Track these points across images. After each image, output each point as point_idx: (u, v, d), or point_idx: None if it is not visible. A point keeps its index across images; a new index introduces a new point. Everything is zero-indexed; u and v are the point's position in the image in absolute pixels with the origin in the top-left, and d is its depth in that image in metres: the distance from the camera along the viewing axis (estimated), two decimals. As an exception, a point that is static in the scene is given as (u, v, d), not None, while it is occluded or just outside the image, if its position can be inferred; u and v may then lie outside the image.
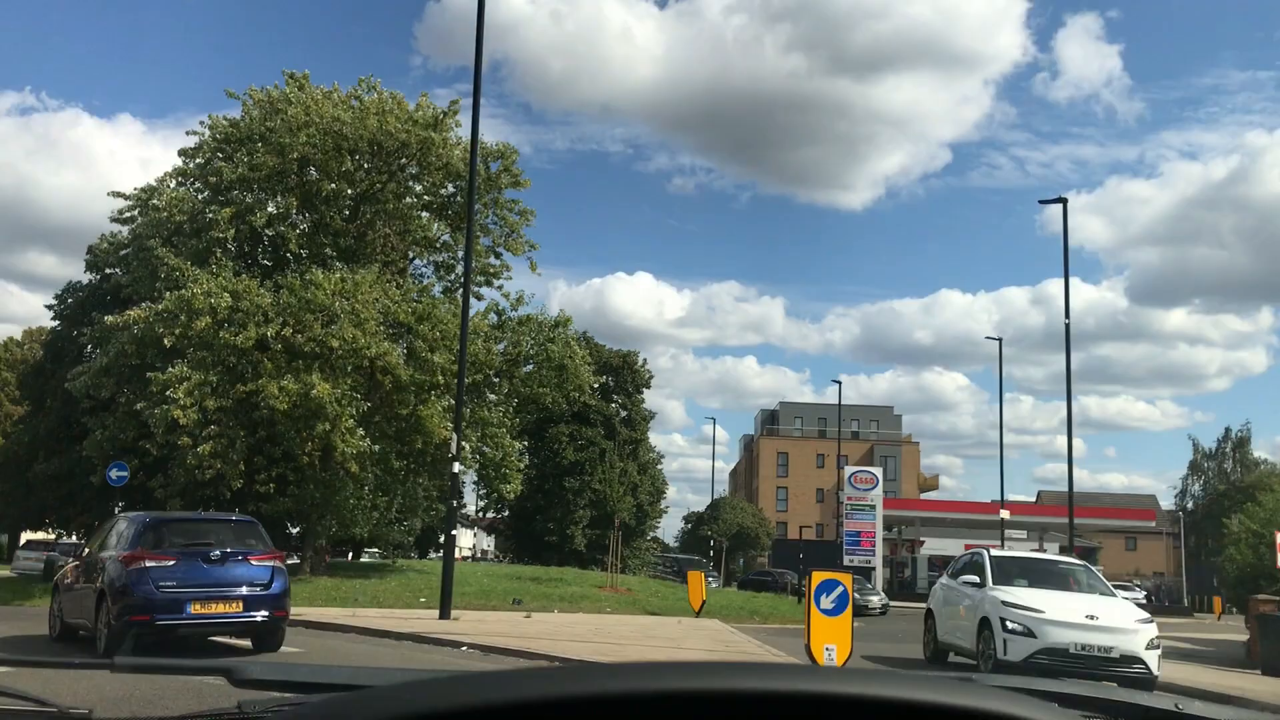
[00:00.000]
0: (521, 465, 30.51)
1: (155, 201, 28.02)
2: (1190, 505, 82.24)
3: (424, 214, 31.14)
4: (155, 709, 6.08)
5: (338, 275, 26.53)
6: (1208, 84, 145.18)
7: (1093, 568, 15.74)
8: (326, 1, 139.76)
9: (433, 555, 57.37)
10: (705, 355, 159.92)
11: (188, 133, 28.96)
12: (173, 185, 28.70)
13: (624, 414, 53.60)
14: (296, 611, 18.57)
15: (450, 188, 31.00)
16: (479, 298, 31.84)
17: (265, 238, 29.75)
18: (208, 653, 12.71)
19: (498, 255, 31.46)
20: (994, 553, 16.10)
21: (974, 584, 14.76)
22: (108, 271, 33.73)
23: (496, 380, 29.80)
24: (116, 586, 12.12)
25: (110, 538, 13.52)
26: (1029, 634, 13.29)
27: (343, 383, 25.87)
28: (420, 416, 27.68)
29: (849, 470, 57.29)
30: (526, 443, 34.54)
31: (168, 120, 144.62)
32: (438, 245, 31.71)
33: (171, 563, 12.32)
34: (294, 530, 38.39)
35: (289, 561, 38.48)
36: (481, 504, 54.18)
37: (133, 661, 1.94)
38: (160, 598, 11.98)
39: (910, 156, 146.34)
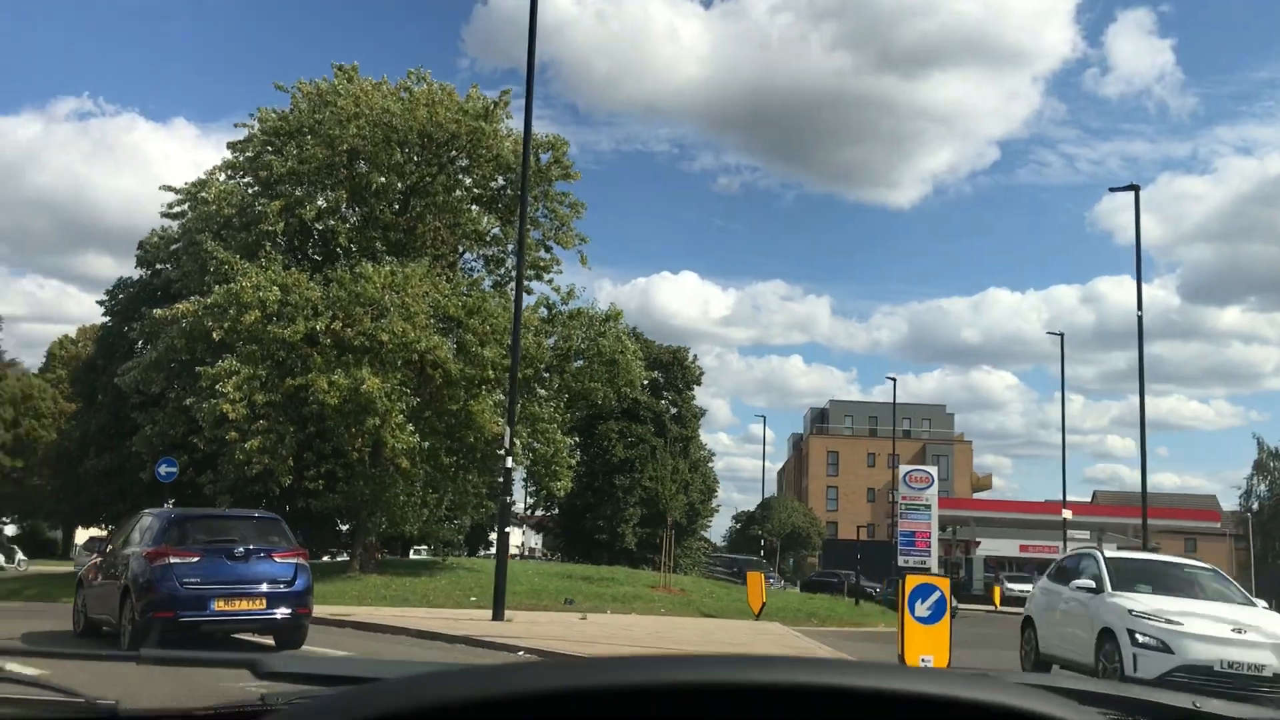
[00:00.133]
0: (573, 462, 29.96)
1: (204, 194, 27.80)
2: (1256, 506, 79.85)
3: (474, 207, 30.68)
4: (179, 701, 5.65)
5: (387, 269, 26.12)
6: (1263, 78, 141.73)
7: (1222, 572, 14.13)
8: (374, 5, 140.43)
9: (482, 553, 57.10)
10: (750, 354, 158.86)
11: (236, 125, 28.82)
12: (222, 179, 28.49)
13: (674, 411, 52.87)
14: (345, 611, 18.17)
15: (500, 180, 30.54)
16: (529, 292, 31.36)
17: (315, 231, 29.47)
18: (230, 649, 12.51)
19: (548, 249, 30.95)
20: (1108, 554, 14.55)
21: (1088, 589, 13.12)
22: (158, 267, 33.69)
23: (547, 375, 29.29)
24: (141, 582, 12.09)
25: (134, 534, 13.49)
26: (1164, 649, 11.76)
27: (392, 377, 25.48)
28: (470, 411, 27.22)
29: (903, 469, 56.13)
30: (577, 439, 33.97)
31: (221, 124, 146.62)
32: (487, 239, 31.25)
33: (195, 559, 12.29)
34: (343, 527, 38.21)
35: (339, 559, 38.50)
36: (531, 501, 53.78)
37: (158, 654, 1.94)
38: (184, 594, 11.94)
39: (958, 154, 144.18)
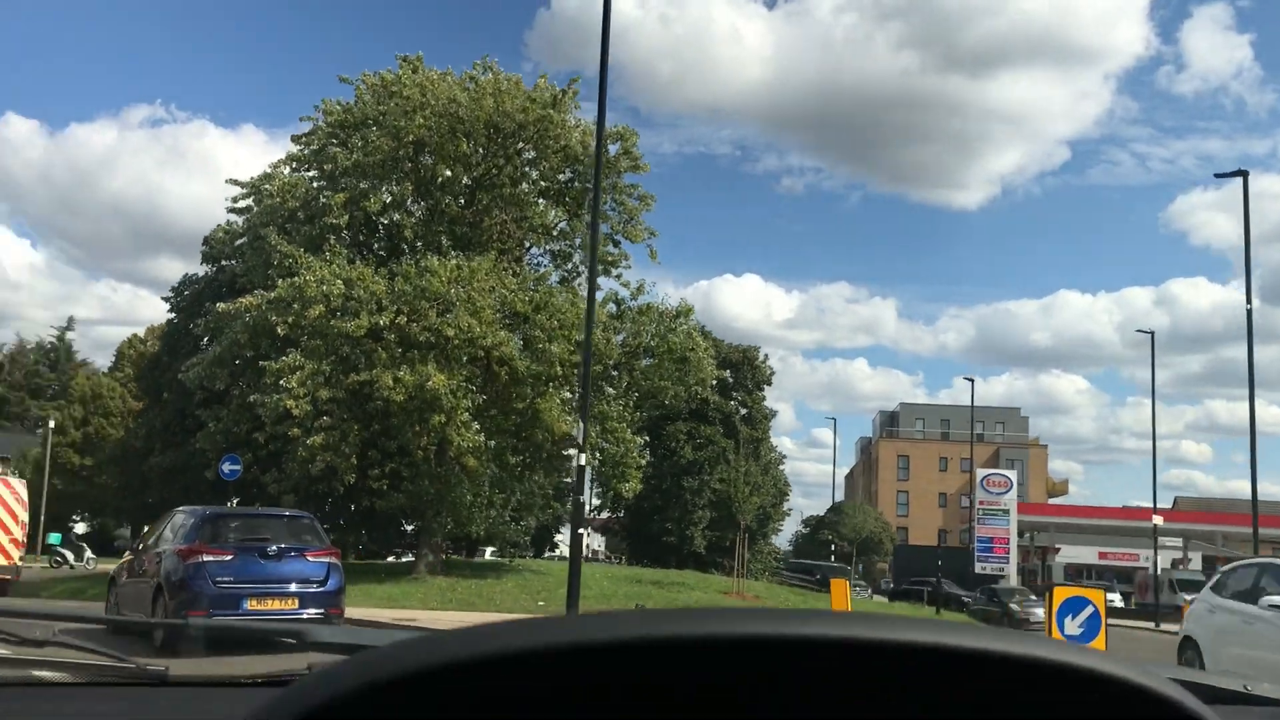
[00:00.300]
0: (642, 462, 28.99)
1: (268, 187, 27.36)
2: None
3: (540, 201, 29.89)
4: (226, 669, 5.47)
5: (453, 263, 25.41)
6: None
7: None
8: (436, 11, 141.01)
9: (548, 555, 56.31)
10: (814, 357, 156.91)
11: (301, 118, 28.30)
12: (286, 172, 28.05)
13: (743, 412, 51.69)
14: (410, 616, 17.37)
15: (568, 173, 29.73)
16: (597, 288, 30.52)
17: (380, 225, 28.92)
18: None
19: (616, 243, 30.06)
20: None
21: None
22: (223, 263, 33.45)
23: (615, 373, 28.37)
24: (173, 580, 12.02)
25: (166, 532, 13.38)
26: None
27: (458, 374, 24.76)
28: (538, 410, 26.44)
29: (981, 473, 54.49)
30: (646, 439, 33.03)
31: (288, 129, 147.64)
32: (554, 233, 30.44)
33: (229, 558, 12.18)
34: (408, 528, 37.65)
35: (403, 559, 38.01)
36: (597, 503, 52.90)
37: (207, 623, 1.67)
38: (217, 593, 11.84)
39: (1026, 154, 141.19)
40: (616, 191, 29.05)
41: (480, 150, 27.52)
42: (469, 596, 22.79)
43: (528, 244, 30.10)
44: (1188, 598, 25.71)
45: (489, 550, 51.26)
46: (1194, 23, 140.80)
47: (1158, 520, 39.93)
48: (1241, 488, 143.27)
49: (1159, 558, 46.04)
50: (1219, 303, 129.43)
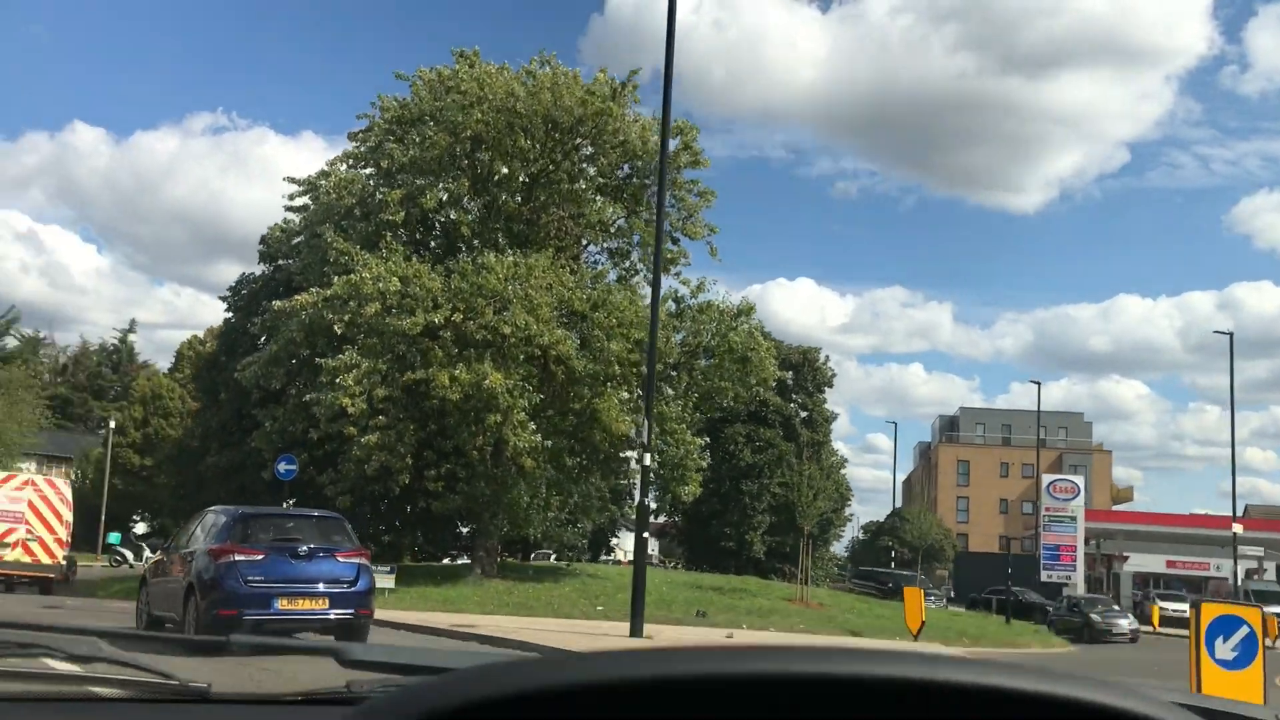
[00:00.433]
0: (703, 465, 28.28)
1: (324, 183, 27.09)
2: None
3: (598, 197, 29.32)
4: (266, 686, 6.30)
5: (510, 259, 24.92)
6: None
7: None
8: (490, 20, 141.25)
9: (604, 559, 55.66)
10: (869, 362, 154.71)
11: (358, 116, 27.99)
12: (343, 169, 27.76)
13: (804, 414, 50.67)
14: (468, 622, 16.84)
15: (626, 169, 29.15)
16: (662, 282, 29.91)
17: (436, 223, 28.56)
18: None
19: (675, 241, 29.43)
20: None
21: None
22: (280, 263, 33.29)
23: (674, 373, 27.71)
24: (205, 579, 12.03)
25: (198, 532, 13.38)
26: None
27: (514, 373, 24.26)
28: (596, 410, 25.85)
29: (1047, 478, 53.05)
30: (706, 440, 32.29)
31: (346, 136, 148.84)
32: (612, 230, 29.85)
33: (260, 557, 12.19)
34: (464, 530, 37.23)
35: (459, 561, 37.61)
36: (653, 506, 52.32)
37: (248, 641, 2.03)
38: (248, 592, 11.90)
39: (1085, 156, 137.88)
40: (676, 187, 28.41)
41: (538, 146, 27.02)
42: (526, 601, 22.23)
43: (585, 241, 29.56)
44: (1271, 610, 24.40)
45: (542, 554, 50.84)
46: (1259, 21, 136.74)
47: (1238, 529, 38.38)
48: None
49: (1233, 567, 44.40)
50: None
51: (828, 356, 54.65)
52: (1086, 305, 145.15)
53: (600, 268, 29.26)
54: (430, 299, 24.10)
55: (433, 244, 28.99)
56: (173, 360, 57.29)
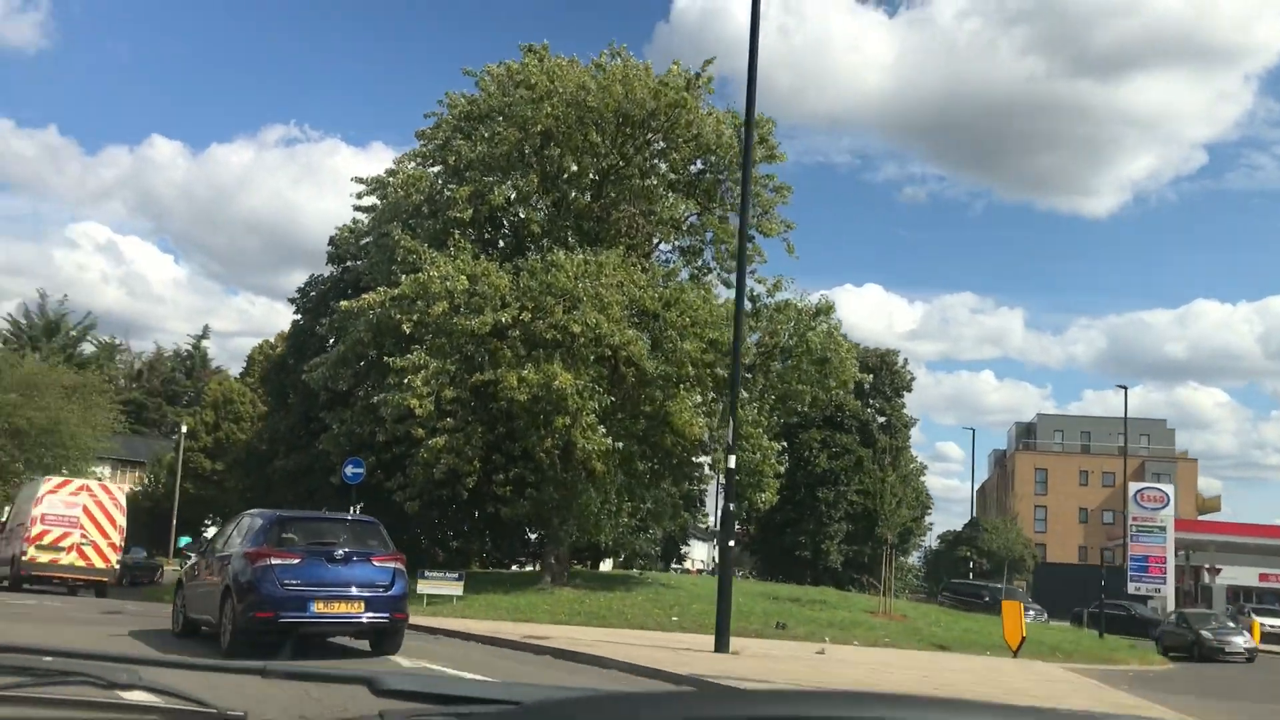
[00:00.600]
0: (780, 470, 27.19)
1: (392, 180, 26.59)
2: None
3: (669, 194, 28.44)
4: (300, 711, 6.42)
5: (580, 257, 24.14)
6: None
7: None
8: (552, 29, 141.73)
9: (674, 568, 54.65)
10: (939, 369, 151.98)
11: (425, 114, 27.43)
12: (411, 167, 27.23)
13: (881, 419, 49.12)
14: (541, 633, 16.03)
15: (699, 164, 28.27)
16: (728, 285, 28.95)
17: (505, 221, 27.92)
18: (327, 653, 12.58)
19: (750, 238, 28.45)
20: None
21: None
22: (348, 264, 32.95)
23: (750, 375, 26.68)
24: (242, 582, 11.97)
25: (234, 535, 13.41)
26: None
27: (584, 374, 23.46)
28: (668, 412, 24.95)
29: (1134, 486, 50.98)
30: (783, 444, 31.17)
31: (413, 146, 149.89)
32: (683, 227, 28.95)
33: (296, 561, 12.16)
34: (532, 536, 36.55)
35: (526, 569, 36.93)
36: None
37: (284, 668, 1.99)
38: (284, 595, 11.79)
39: (1160, 159, 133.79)
40: (751, 182, 27.45)
41: (608, 140, 26.24)
42: (598, 610, 21.37)
43: (656, 239, 28.70)
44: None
45: (612, 561, 50.00)
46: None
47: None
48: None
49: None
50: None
51: (906, 359, 53.14)
52: (1162, 311, 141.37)
53: (672, 265, 28.41)
54: (499, 298, 23.44)
55: (501, 242, 28.37)
56: (244, 364, 57.66)
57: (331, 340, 30.28)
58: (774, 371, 26.61)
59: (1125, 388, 50.84)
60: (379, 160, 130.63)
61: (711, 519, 54.81)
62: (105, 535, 23.87)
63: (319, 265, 37.40)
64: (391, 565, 12.65)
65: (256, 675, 1.96)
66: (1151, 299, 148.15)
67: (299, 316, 36.24)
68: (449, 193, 25.58)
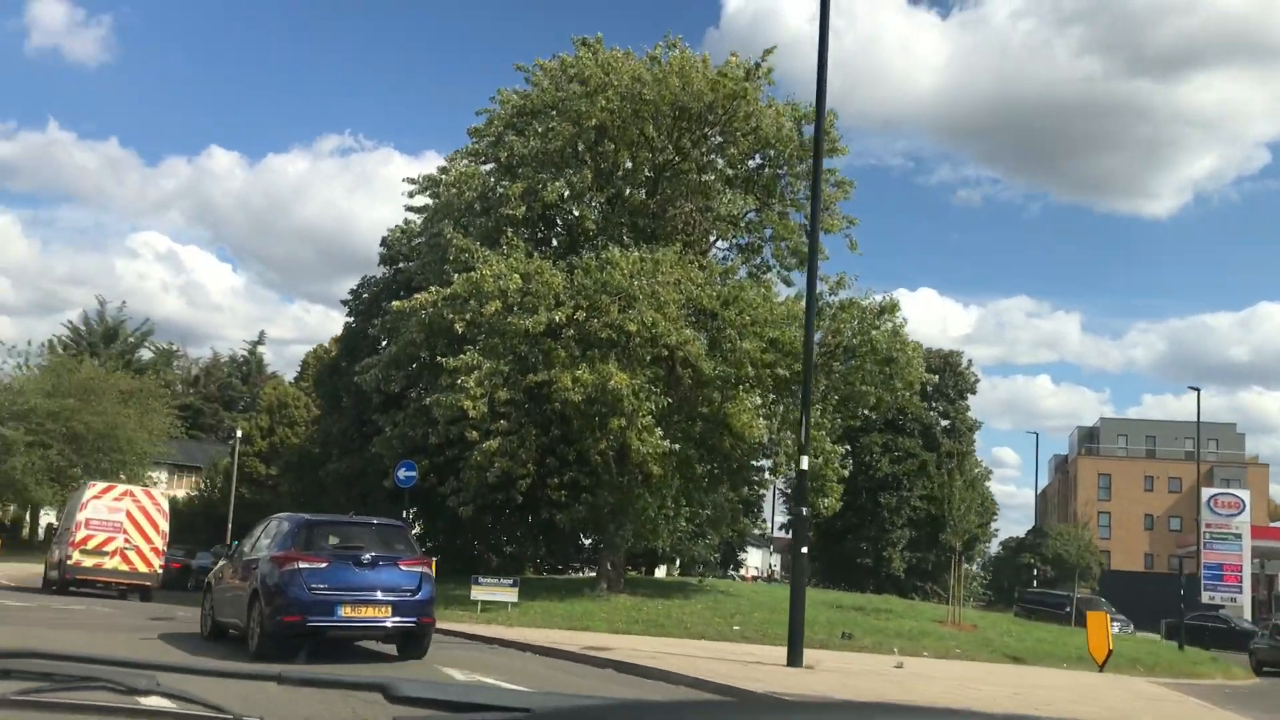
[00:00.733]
0: (844, 474, 26.28)
1: (444, 178, 26.11)
2: None
3: (727, 189, 27.68)
4: (315, 717, 6.53)
5: (636, 255, 23.45)
6: None
7: None
8: (606, 35, 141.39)
9: (731, 575, 53.68)
10: (994, 374, 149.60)
11: (477, 112, 26.89)
12: (462, 164, 26.73)
13: (944, 422, 47.81)
14: (601, 644, 15.35)
15: (757, 159, 27.48)
16: (788, 283, 28.16)
17: (558, 218, 27.34)
18: (354, 656, 12.64)
19: (809, 234, 27.63)
20: None
21: None
22: (400, 265, 32.58)
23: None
24: (269, 586, 11.94)
25: (262, 539, 13.39)
26: None
27: (640, 374, 22.76)
28: (727, 414, 24.17)
29: (1207, 493, 49.34)
30: (847, 448, 30.21)
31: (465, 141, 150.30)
32: (741, 224, 28.17)
33: (324, 565, 12.11)
34: (586, 542, 35.91)
35: (579, 575, 36.28)
36: (787, 518, 49.93)
37: (300, 674, 1.99)
38: (312, 599, 11.77)
39: (1222, 159, 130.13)
40: (821, 181, 26.63)
41: (664, 135, 25.54)
42: (657, 619, 20.64)
43: (713, 236, 27.94)
44: None
45: (666, 568, 49.20)
46: None
47: None
48: None
49: None
50: None
51: (970, 361, 51.77)
52: (1224, 313, 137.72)
53: (730, 263, 27.62)
54: (553, 296, 22.81)
55: (555, 240, 27.80)
56: (298, 369, 57.74)
57: (383, 342, 29.90)
58: (836, 372, 25.71)
59: (1198, 389, 48.84)
60: (431, 168, 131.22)
61: (769, 524, 53.83)
62: (148, 540, 24.13)
63: (373, 272, 37.39)
64: (418, 569, 12.62)
65: (273, 681, 1.96)
66: (1214, 301, 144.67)
67: (351, 319, 35.95)
68: (501, 189, 25.04)
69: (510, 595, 20.29)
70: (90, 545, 23.36)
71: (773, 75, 25.89)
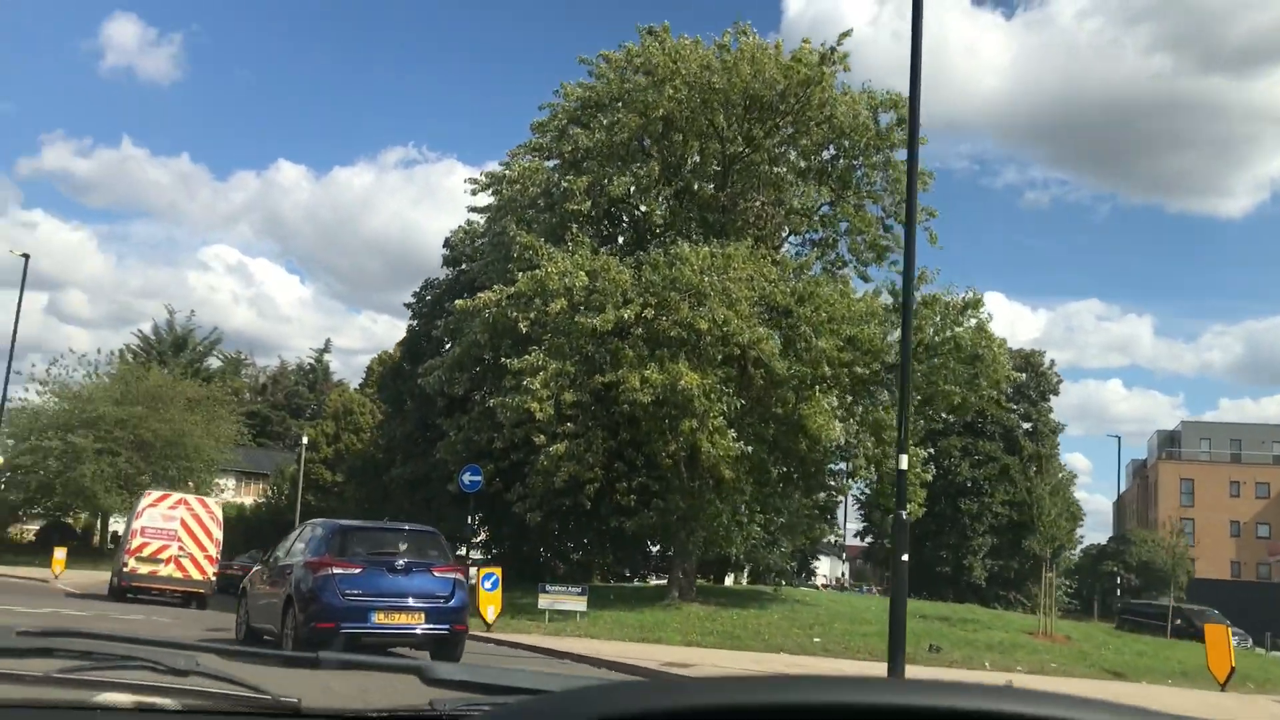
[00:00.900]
0: (927, 478, 25.06)
1: (508, 174, 25.39)
2: None
3: (800, 182, 26.64)
4: (353, 702, 5.41)
5: (706, 250, 22.49)
6: None
7: None
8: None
9: (808, 583, 52.32)
10: (1064, 379, 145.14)
11: (540, 106, 26.14)
12: (526, 160, 26.00)
13: (1026, 425, 46.06)
14: (679, 658, 14.39)
15: (831, 150, 26.39)
16: (865, 278, 27.03)
17: (624, 214, 26.51)
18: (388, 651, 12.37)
19: (887, 228, 26.54)
20: None
21: None
22: (464, 266, 31.98)
23: (890, 375, 24.64)
24: (304, 592, 11.99)
25: (296, 545, 13.42)
26: None
27: (711, 374, 21.79)
28: (802, 415, 23.10)
29: (1305, 498, 46.89)
30: (930, 452, 28.92)
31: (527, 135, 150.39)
32: (815, 218, 27.09)
33: (358, 571, 12.15)
34: (654, 549, 34.97)
35: (652, 583, 35.37)
36: (862, 526, 48.46)
37: (337, 657, 2.05)
38: (346, 605, 11.85)
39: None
40: (889, 167, 25.57)
41: (735, 125, 24.57)
42: (732, 629, 19.67)
43: (786, 230, 26.91)
44: None
45: (734, 576, 48.02)
46: None
47: None
48: None
49: None
50: None
51: (1053, 361, 49.90)
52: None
53: (804, 258, 26.55)
54: (620, 294, 21.92)
55: (621, 236, 26.99)
56: (363, 375, 57.68)
57: (447, 343, 29.28)
58: (918, 371, 24.50)
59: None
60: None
61: (844, 532, 52.33)
62: (202, 548, 24.14)
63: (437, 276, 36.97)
64: (452, 576, 12.63)
65: (310, 665, 1.99)
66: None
67: (414, 321, 35.45)
68: (566, 185, 24.25)
69: (579, 604, 19.48)
70: (145, 553, 23.40)
71: (848, 60, 24.75)
